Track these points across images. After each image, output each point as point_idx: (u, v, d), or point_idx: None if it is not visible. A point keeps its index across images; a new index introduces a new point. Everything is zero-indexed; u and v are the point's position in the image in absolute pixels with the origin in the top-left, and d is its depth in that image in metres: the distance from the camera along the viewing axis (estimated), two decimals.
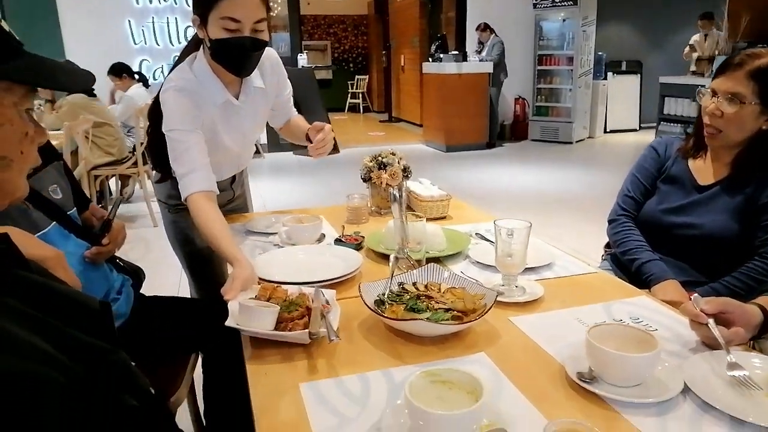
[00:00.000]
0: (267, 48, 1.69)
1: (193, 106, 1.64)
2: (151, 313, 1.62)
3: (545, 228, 4.37)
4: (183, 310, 1.71)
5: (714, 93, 1.53)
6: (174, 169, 1.64)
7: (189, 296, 2.12)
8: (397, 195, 1.36)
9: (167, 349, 1.56)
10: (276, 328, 1.09)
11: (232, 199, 2.04)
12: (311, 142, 1.84)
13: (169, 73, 1.73)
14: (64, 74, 0.77)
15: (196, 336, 1.62)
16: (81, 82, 0.85)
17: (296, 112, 2.07)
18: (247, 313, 1.10)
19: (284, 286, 1.25)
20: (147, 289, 1.76)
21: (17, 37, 0.75)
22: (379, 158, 2.00)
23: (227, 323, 1.12)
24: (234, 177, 2.01)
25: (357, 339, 1.13)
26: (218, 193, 1.65)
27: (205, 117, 1.68)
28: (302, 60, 8.31)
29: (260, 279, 1.35)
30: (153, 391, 1.27)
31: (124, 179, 5.37)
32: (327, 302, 1.18)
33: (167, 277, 3.42)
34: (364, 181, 2.03)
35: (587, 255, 1.96)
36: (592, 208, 4.90)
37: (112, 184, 5.54)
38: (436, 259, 1.51)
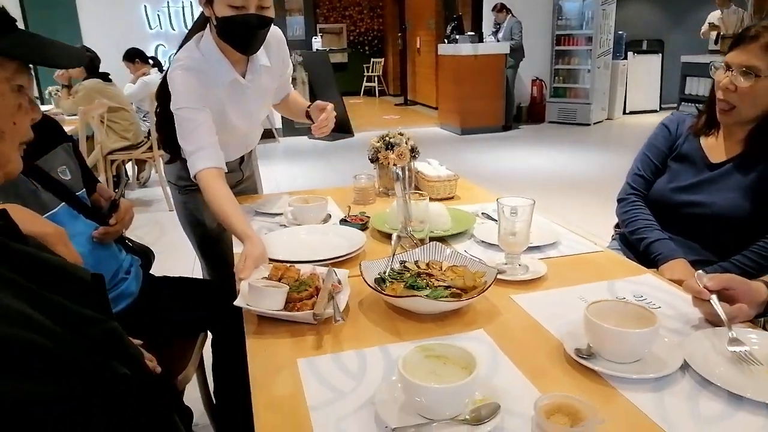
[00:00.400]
0: (272, 26, 1.69)
1: (201, 84, 1.65)
2: (160, 293, 1.65)
3: (560, 210, 4.32)
4: (192, 290, 1.73)
5: (728, 67, 1.48)
6: (182, 148, 1.65)
7: (202, 278, 2.14)
8: (400, 174, 1.36)
9: (175, 329, 1.59)
10: (285, 308, 1.11)
11: (241, 180, 2.05)
12: (310, 119, 1.85)
13: (176, 53, 1.74)
14: (54, 50, 0.78)
15: (205, 316, 1.65)
16: (73, 59, 0.85)
17: (293, 89, 2.08)
18: (255, 292, 1.11)
19: (297, 266, 1.26)
20: (161, 272, 1.79)
21: (10, 15, 0.76)
22: (387, 138, 1.99)
23: (236, 303, 1.13)
24: (243, 158, 2.02)
25: (357, 316, 1.13)
26: (227, 171, 1.66)
27: (212, 96, 1.68)
28: (317, 43, 8.27)
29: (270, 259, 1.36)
30: (160, 369, 1.30)
31: (140, 164, 5.43)
32: (339, 282, 1.19)
33: (182, 260, 3.46)
34: (372, 161, 2.03)
35: (601, 237, 1.94)
36: (608, 191, 4.78)
37: (129, 168, 5.61)
38: (441, 239, 1.51)
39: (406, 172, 1.37)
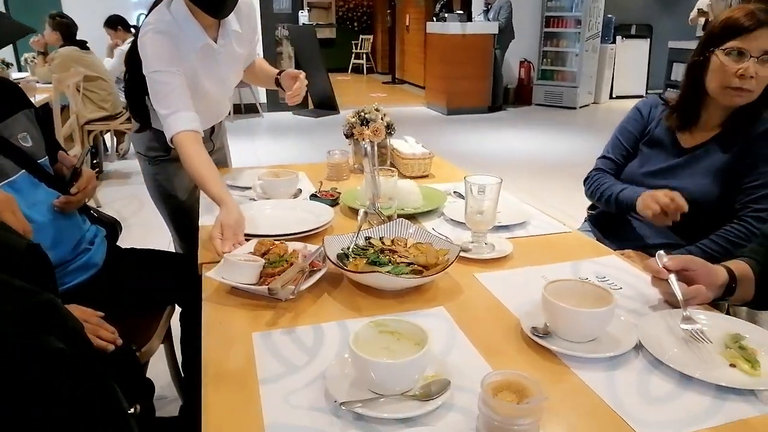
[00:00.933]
0: None
1: (173, 47, 1.62)
2: (126, 264, 1.62)
3: (540, 192, 4.33)
4: (159, 262, 1.71)
5: (740, 53, 1.42)
6: (158, 112, 1.62)
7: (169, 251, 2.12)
8: (369, 149, 1.34)
9: (140, 301, 1.57)
10: (259, 282, 1.10)
11: (212, 151, 2.02)
12: (279, 87, 1.89)
13: (146, 16, 1.69)
14: None
15: (172, 288, 1.63)
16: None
17: (258, 56, 2.07)
18: (230, 266, 1.11)
19: (288, 244, 1.24)
20: (138, 246, 1.77)
21: None
22: (362, 114, 1.96)
23: (209, 274, 1.12)
24: (213, 128, 2.00)
25: (318, 291, 1.12)
26: (203, 135, 1.64)
27: (185, 60, 1.65)
28: (303, 17, 8.12)
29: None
30: (121, 341, 1.28)
31: (119, 135, 5.33)
32: (324, 260, 1.17)
33: (160, 235, 3.42)
34: (347, 137, 2.00)
35: (579, 220, 1.93)
36: None
37: (108, 140, 5.51)
38: (411, 216, 1.49)
39: (375, 148, 1.35)
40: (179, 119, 1.57)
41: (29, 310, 0.61)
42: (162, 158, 1.89)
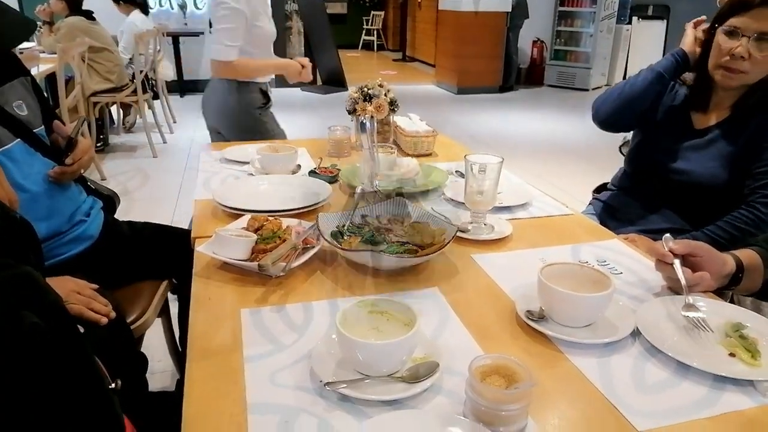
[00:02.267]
0: None
1: None
2: (123, 237, 1.61)
3: (548, 175, 4.28)
4: (156, 235, 1.70)
5: (734, 32, 1.38)
6: (220, 36, 2.09)
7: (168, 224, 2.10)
8: (367, 125, 1.30)
9: (136, 274, 1.56)
10: (251, 258, 1.08)
11: (269, 104, 2.42)
12: None
13: None
14: None
15: (169, 262, 1.62)
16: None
17: None
18: (221, 241, 1.09)
19: (280, 219, 1.22)
20: (142, 220, 1.75)
21: None
22: (365, 89, 1.92)
23: (200, 249, 1.11)
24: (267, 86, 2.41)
25: (310, 269, 1.10)
26: (266, 90, 2.23)
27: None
28: None
29: (222, 205, 1.33)
30: (114, 314, 1.27)
31: (125, 108, 5.30)
32: (318, 238, 1.14)
33: (163, 208, 3.42)
34: (350, 113, 1.96)
35: (586, 204, 1.89)
36: (599, 158, 4.77)
37: (114, 112, 5.48)
38: (411, 195, 1.46)
39: (374, 124, 1.31)
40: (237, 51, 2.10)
41: (2, 283, 0.59)
42: (266, 105, 2.33)
